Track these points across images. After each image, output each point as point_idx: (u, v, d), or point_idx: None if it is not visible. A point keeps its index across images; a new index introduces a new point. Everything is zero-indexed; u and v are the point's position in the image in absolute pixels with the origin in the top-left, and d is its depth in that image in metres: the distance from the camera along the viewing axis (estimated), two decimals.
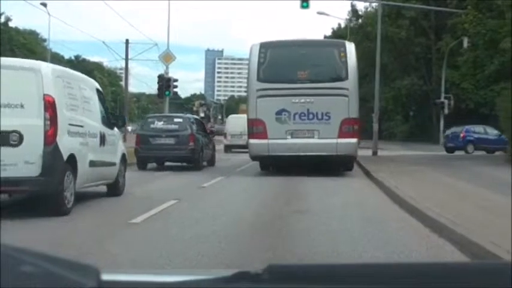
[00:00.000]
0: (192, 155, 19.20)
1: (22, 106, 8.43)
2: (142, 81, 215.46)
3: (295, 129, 16.50)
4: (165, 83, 29.05)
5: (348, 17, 57.51)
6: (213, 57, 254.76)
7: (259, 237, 6.96)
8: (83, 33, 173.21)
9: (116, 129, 11.74)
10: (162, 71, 31.60)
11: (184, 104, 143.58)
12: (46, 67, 9.14)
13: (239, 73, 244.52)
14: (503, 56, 24.03)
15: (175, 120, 20.44)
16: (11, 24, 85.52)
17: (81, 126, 9.59)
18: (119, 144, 11.91)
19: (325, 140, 16.25)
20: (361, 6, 57.03)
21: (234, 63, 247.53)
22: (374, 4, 51.45)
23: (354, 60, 16.92)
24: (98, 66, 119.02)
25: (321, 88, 16.46)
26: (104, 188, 11.12)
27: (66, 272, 1.12)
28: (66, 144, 8.80)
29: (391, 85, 52.96)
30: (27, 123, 8.39)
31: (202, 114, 66.62)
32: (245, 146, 23.45)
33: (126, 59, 46.84)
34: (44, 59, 64.19)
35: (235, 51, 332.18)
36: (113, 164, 11.24)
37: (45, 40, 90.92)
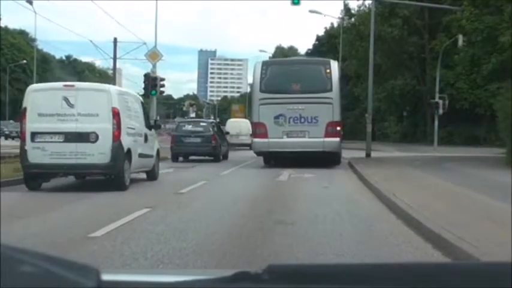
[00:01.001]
0: (213, 151, 25.18)
1: (97, 115, 12.32)
2: (133, 81, 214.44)
3: (290, 130, 20.44)
4: (151, 82, 28.01)
5: (340, 16, 56.53)
6: (206, 58, 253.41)
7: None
8: (75, 34, 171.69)
9: (153, 130, 15.64)
10: (150, 70, 30.62)
11: (177, 105, 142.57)
12: (113, 89, 13.58)
13: (232, 74, 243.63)
14: (502, 55, 23.10)
15: (201, 124, 27.54)
16: (0, 23, 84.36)
17: (133, 128, 13.53)
18: (155, 141, 15.90)
19: (314, 139, 20.10)
20: (354, 5, 56.15)
21: (227, 64, 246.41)
22: (367, 2, 50.70)
23: (336, 75, 20.93)
24: (89, 67, 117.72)
25: (311, 97, 20.24)
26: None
27: (66, 272, 1.12)
28: (125, 141, 12.71)
29: (385, 85, 52.05)
30: (101, 127, 12.26)
31: (192, 115, 65.51)
32: (242, 144, 33.99)
33: (114, 58, 45.84)
34: (33, 58, 63.24)
35: (228, 52, 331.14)
36: (152, 156, 15.17)
37: (35, 40, 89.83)
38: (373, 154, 26.64)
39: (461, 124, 46.66)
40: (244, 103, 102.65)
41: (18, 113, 67.67)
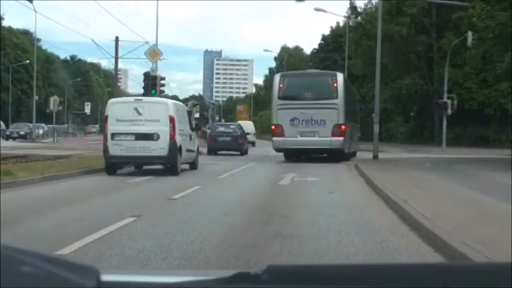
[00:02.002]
0: (240, 147, 31.78)
1: (159, 121, 16.52)
2: (138, 82, 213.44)
3: (303, 131, 24.31)
4: (151, 81, 27.10)
5: (346, 14, 55.47)
6: (211, 58, 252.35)
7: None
8: (78, 33, 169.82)
9: (194, 131, 19.96)
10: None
11: None
12: (170, 102, 18.23)
13: (237, 74, 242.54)
14: None
15: (231, 126, 35.78)
16: (3, 23, 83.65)
17: (183, 130, 17.65)
18: (195, 140, 19.96)
19: (322, 138, 23.91)
20: (360, 3, 55.00)
21: (233, 64, 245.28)
22: (374, 1, 49.65)
23: (341, 85, 24.84)
24: (94, 67, 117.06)
25: (320, 104, 24.16)
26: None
27: (65, 272, 1.12)
28: (178, 140, 16.78)
29: (391, 85, 50.96)
30: (161, 129, 16.43)
31: (196, 115, 64.60)
32: (248, 142, 38.49)
33: (116, 57, 45.16)
34: (37, 59, 62.51)
35: (234, 52, 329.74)
36: (194, 151, 19.20)
37: (39, 40, 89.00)
38: (380, 155, 25.78)
39: (470, 124, 45.61)
40: (249, 104, 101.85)
41: (20, 115, 66.75)
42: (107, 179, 15.95)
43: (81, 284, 1.11)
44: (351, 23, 54.67)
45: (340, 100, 24.36)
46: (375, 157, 25.40)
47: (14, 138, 52.23)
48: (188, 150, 18.19)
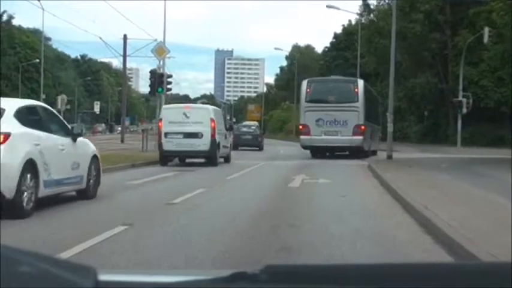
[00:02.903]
0: (259, 144, 38.45)
1: (202, 122, 20.25)
2: (149, 81, 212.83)
3: (327, 130, 27.24)
4: (158, 79, 26.36)
5: (359, 12, 54.44)
6: (222, 58, 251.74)
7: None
8: (85, 31, 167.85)
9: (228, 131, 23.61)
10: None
11: None
12: (211, 107, 22.94)
13: (248, 73, 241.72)
14: None
15: (252, 127, 42.60)
16: (14, 22, 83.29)
17: (221, 130, 21.26)
18: (229, 138, 23.87)
19: (344, 137, 26.80)
20: (373, 1, 53.94)
21: (244, 64, 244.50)
22: None
23: (362, 90, 27.96)
24: (105, 66, 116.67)
25: (342, 106, 27.22)
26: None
27: (64, 272, 1.12)
28: (217, 138, 20.42)
29: (405, 83, 49.98)
30: (204, 129, 20.16)
31: None
32: None
33: (124, 55, 44.69)
34: (46, 58, 61.98)
35: (245, 51, 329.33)
36: (227, 147, 22.72)
37: (49, 39, 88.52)
38: (394, 155, 24.99)
39: (485, 123, 44.56)
40: (261, 103, 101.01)
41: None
42: (107, 180, 15.20)
43: (79, 284, 1.10)
44: (363, 21, 53.70)
45: (360, 103, 27.31)
46: (389, 157, 24.60)
47: None
48: (224, 147, 21.81)
